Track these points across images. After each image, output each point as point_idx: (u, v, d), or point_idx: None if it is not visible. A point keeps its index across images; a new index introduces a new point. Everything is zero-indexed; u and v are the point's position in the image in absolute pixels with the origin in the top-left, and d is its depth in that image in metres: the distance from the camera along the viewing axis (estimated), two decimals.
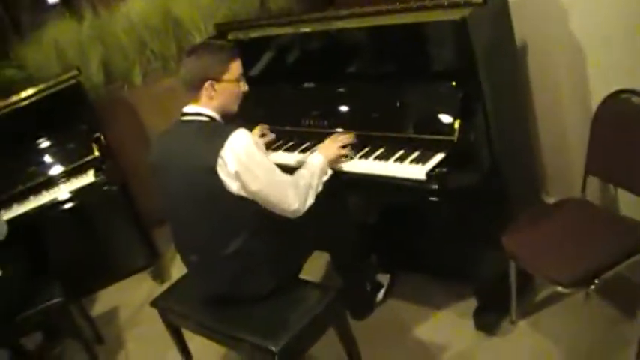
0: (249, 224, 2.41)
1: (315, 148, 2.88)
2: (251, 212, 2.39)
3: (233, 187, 2.30)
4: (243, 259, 2.42)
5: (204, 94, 2.43)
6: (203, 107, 2.44)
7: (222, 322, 2.53)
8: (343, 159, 2.70)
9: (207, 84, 2.41)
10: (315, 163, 2.57)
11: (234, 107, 2.53)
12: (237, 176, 2.27)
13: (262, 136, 3.06)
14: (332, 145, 2.71)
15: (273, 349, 2.28)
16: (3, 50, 4.41)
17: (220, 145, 2.26)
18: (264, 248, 2.44)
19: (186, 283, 2.84)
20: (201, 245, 2.49)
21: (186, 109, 2.46)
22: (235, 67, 2.48)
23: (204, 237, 2.46)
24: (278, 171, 2.40)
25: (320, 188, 2.52)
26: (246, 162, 2.27)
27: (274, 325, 2.38)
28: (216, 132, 2.35)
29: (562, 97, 2.97)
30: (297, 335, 2.34)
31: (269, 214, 2.41)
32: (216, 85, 2.42)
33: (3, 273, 3.07)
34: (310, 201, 2.45)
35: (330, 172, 2.61)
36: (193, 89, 2.44)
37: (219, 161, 2.26)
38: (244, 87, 2.55)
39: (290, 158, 2.94)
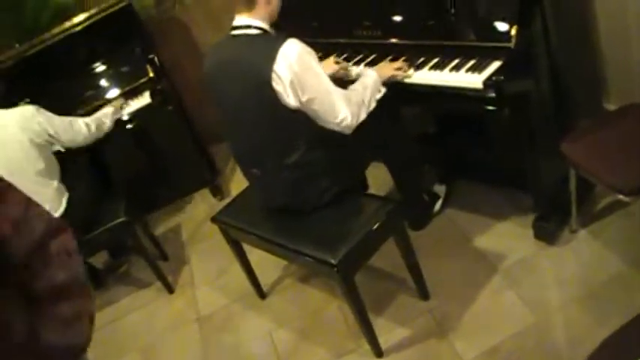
0: (307, 136, 2.41)
1: (369, 59, 2.84)
2: (308, 124, 2.38)
3: (289, 99, 2.29)
4: (303, 169, 2.44)
5: (262, 1, 2.39)
6: (254, 19, 2.39)
7: (282, 235, 2.57)
8: (398, 76, 2.65)
9: None
10: (369, 79, 2.54)
11: (277, 12, 2.49)
12: (292, 86, 2.26)
13: (337, 63, 2.96)
14: (387, 65, 2.69)
15: (333, 261, 2.31)
16: None
17: (273, 59, 2.24)
18: (324, 159, 2.46)
19: (246, 198, 2.90)
20: (261, 158, 2.52)
21: (236, 22, 2.43)
22: None
23: (263, 150, 2.48)
24: (330, 82, 2.37)
25: (373, 105, 2.50)
26: (298, 70, 2.25)
27: (333, 237, 2.41)
28: (267, 45, 2.32)
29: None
30: (357, 247, 2.36)
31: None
32: None
33: (71, 194, 3.17)
34: (363, 116, 2.43)
35: (383, 89, 2.57)
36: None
37: (273, 75, 2.24)
38: None
39: None
